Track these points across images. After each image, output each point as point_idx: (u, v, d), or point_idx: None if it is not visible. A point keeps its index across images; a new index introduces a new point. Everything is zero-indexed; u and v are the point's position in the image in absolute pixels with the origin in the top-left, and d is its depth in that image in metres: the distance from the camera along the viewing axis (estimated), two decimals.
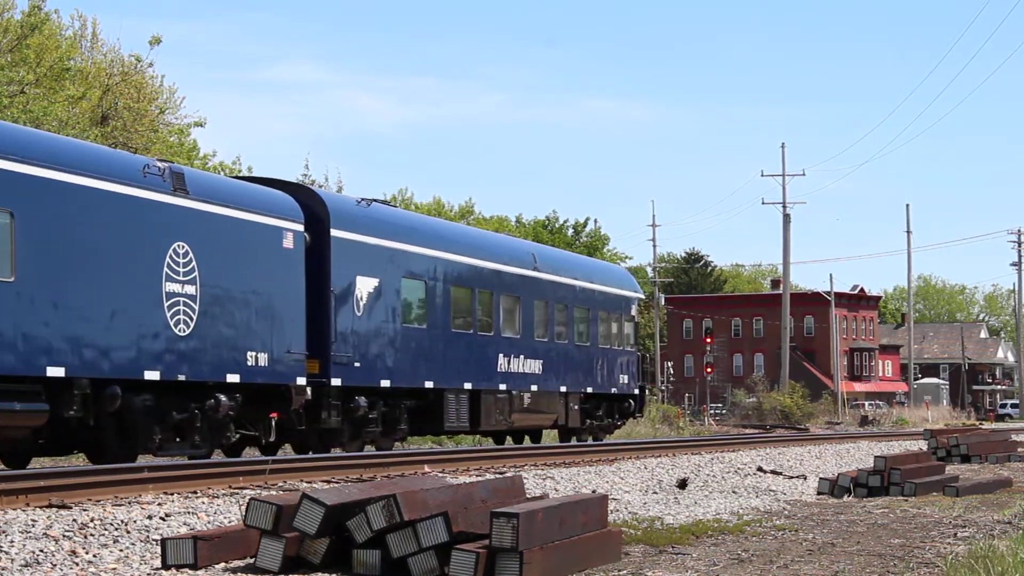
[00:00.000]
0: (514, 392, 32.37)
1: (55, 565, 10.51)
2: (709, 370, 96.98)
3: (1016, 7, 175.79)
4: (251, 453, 26.05)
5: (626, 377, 39.10)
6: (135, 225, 21.14)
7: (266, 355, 23.77)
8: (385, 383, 27.20)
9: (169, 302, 21.71)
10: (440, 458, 23.23)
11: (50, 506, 14.10)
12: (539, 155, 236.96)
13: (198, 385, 22.42)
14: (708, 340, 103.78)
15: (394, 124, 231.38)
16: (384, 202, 30.15)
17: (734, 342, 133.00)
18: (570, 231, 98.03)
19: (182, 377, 21.88)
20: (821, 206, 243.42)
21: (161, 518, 13.14)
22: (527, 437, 36.34)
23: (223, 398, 22.62)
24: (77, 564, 10.61)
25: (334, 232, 25.93)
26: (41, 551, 10.93)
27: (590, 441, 36.09)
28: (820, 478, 23.25)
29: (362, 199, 27.91)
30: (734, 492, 21.37)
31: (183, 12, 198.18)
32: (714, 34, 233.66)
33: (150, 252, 21.47)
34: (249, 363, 23.34)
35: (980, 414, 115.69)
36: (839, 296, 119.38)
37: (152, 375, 21.26)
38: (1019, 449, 36.10)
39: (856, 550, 13.58)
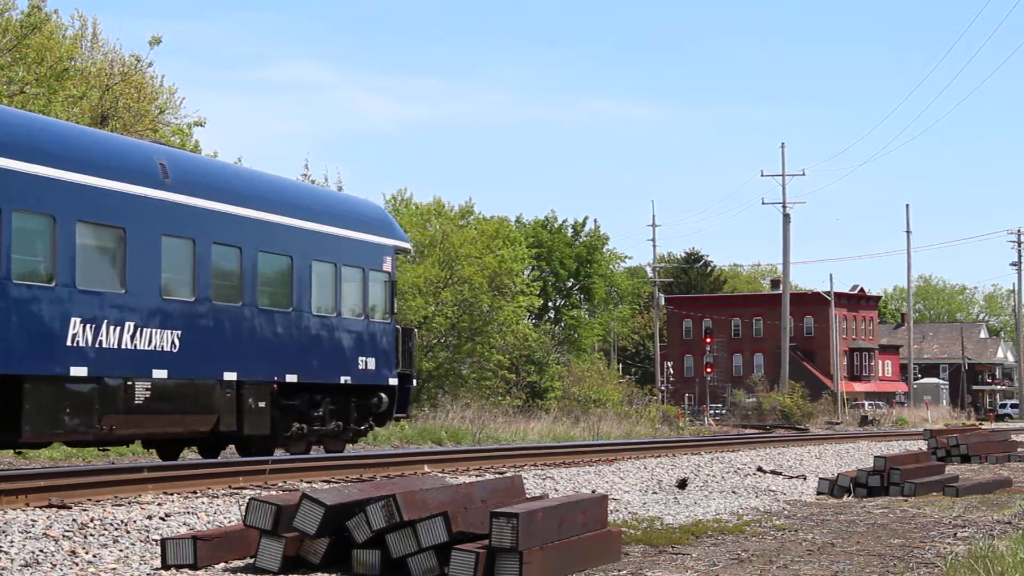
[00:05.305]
0: (110, 380, 20.64)
1: (55, 565, 10.51)
2: (709, 370, 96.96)
3: (1016, 7, 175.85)
4: None
5: (372, 361, 27.18)
6: None
7: None
8: None
9: None
10: (440, 458, 23.25)
11: (50, 506, 14.10)
12: (539, 155, 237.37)
13: None
14: (708, 340, 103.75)
15: (395, 124, 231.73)
16: None
17: (734, 342, 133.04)
18: (569, 231, 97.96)
19: None
20: (821, 206, 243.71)
21: (161, 518, 13.14)
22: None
23: None
24: (77, 564, 10.61)
25: None
26: (41, 551, 10.92)
27: (316, 454, 25.47)
28: (820, 478, 23.24)
29: None
30: (734, 492, 21.36)
31: (183, 12, 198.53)
32: (714, 34, 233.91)
33: None
34: None
35: (980, 414, 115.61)
36: (839, 296, 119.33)
37: None
38: (1019, 449, 36.12)
39: (856, 550, 13.59)
